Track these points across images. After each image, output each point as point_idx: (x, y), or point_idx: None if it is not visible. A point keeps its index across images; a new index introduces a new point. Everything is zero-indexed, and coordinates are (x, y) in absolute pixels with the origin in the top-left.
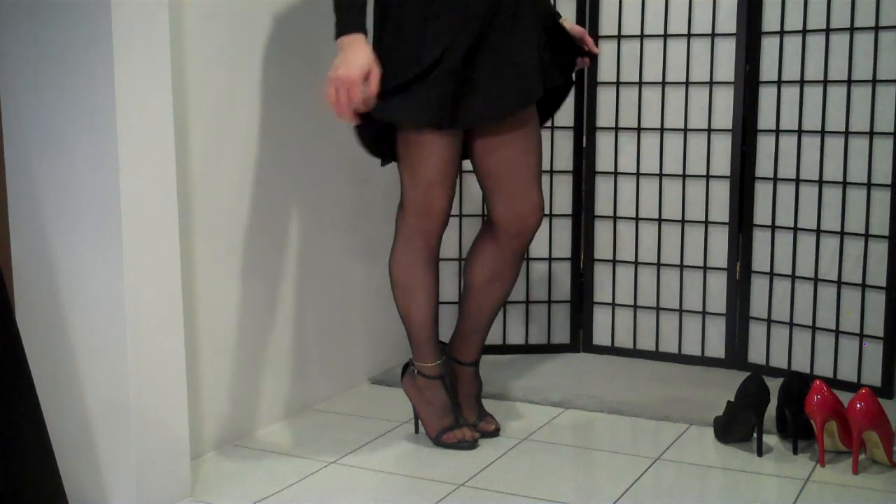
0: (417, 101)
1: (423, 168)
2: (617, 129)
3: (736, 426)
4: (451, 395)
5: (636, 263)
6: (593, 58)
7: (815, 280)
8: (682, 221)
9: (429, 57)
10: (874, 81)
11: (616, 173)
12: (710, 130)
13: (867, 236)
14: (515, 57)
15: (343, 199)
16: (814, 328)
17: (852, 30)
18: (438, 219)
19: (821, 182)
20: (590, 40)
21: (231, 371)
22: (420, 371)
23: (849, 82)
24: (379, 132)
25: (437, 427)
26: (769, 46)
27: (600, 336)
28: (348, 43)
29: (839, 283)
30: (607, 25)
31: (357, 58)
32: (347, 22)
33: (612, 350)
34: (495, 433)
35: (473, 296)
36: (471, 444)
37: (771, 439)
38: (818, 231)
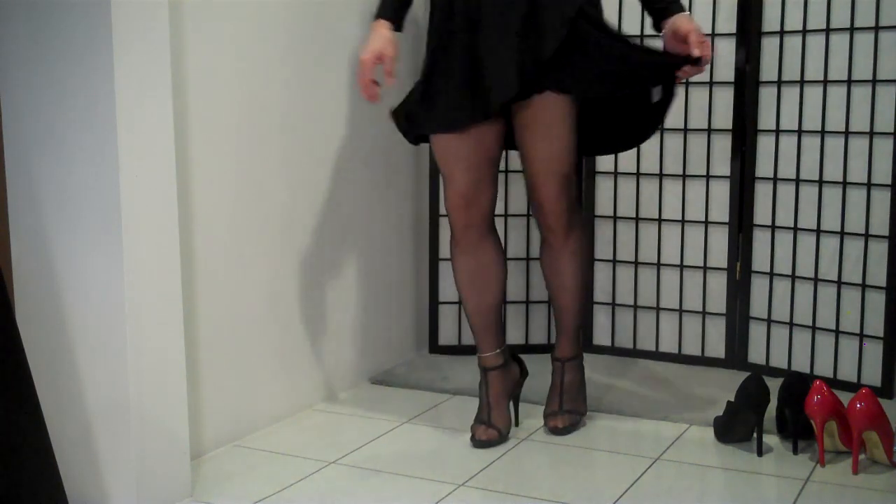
0: (435, 110)
1: (440, 161)
2: None
3: (736, 426)
4: (488, 392)
5: (636, 263)
6: (696, 63)
7: (815, 280)
8: (682, 221)
9: (428, 60)
10: (874, 81)
11: (616, 173)
12: (710, 130)
13: (867, 236)
14: (491, 60)
15: (344, 199)
16: (814, 328)
17: (852, 30)
18: (455, 213)
19: (821, 182)
20: (695, 41)
21: (231, 371)
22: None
23: (849, 82)
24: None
25: (477, 416)
26: (769, 46)
27: (600, 336)
28: (372, 27)
29: (839, 283)
30: None
31: (372, 41)
32: (378, 9)
33: (612, 350)
34: (554, 430)
35: (549, 294)
36: (477, 443)
37: (771, 439)
38: (818, 231)
